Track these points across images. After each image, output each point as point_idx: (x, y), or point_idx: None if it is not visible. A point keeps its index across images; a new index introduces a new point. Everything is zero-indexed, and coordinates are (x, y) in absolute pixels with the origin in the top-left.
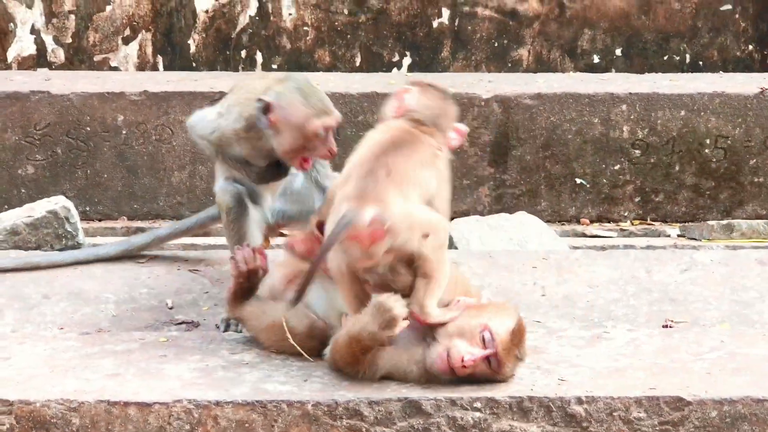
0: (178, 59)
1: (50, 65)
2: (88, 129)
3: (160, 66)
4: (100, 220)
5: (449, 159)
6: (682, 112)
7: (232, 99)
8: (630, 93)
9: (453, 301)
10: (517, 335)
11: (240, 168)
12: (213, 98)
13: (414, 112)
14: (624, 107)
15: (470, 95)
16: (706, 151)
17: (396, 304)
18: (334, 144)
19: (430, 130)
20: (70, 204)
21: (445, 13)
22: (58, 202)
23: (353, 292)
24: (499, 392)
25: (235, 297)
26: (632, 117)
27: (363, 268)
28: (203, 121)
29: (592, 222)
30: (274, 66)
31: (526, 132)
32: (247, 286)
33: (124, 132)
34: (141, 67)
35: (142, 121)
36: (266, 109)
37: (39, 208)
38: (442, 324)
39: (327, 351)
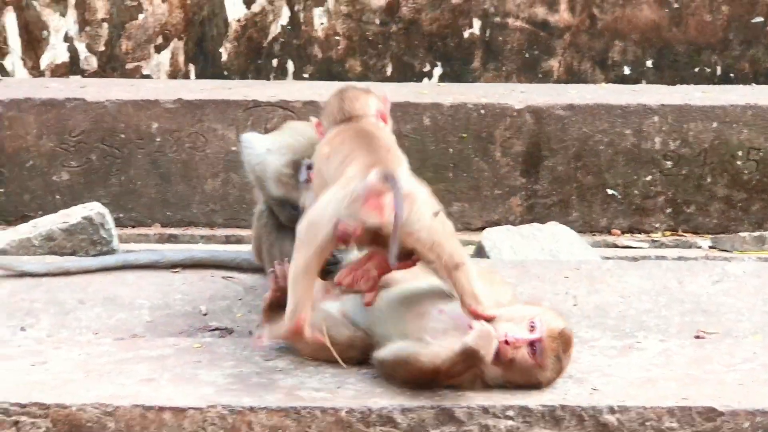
0: (209, 68)
1: (83, 73)
2: (123, 136)
3: (192, 74)
4: (133, 227)
5: None
6: (714, 124)
7: (282, 139)
8: (662, 104)
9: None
10: (564, 337)
11: (274, 204)
12: (247, 107)
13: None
14: (656, 119)
15: (503, 105)
16: (738, 162)
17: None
18: None
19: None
20: (105, 210)
21: (476, 23)
22: (93, 209)
23: (316, 264)
24: (532, 401)
25: (271, 308)
26: (664, 128)
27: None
28: (252, 148)
29: (623, 233)
30: (305, 75)
31: (558, 142)
32: (283, 299)
33: (158, 139)
34: (173, 75)
35: (176, 128)
36: (311, 166)
37: (74, 215)
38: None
39: (382, 358)
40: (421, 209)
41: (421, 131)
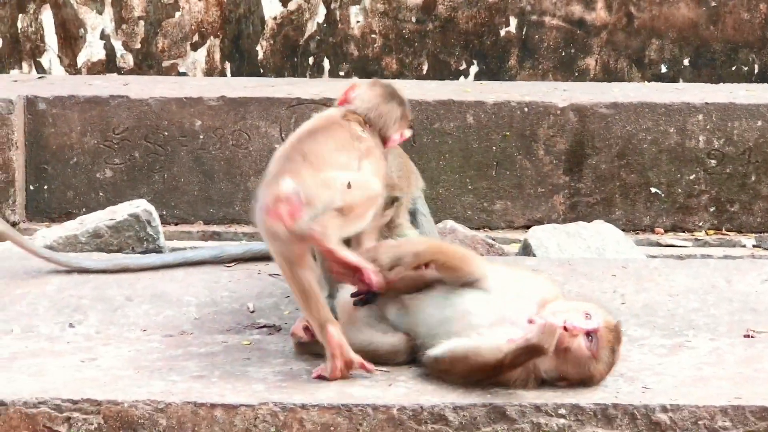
0: (245, 65)
1: (119, 70)
2: (166, 133)
3: (228, 72)
4: (176, 224)
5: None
6: (759, 123)
7: None
8: (706, 103)
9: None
10: (618, 331)
11: None
12: (290, 104)
13: (352, 104)
14: (700, 117)
15: (546, 104)
16: None
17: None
18: None
19: (358, 118)
20: (151, 207)
21: (513, 21)
22: (139, 206)
23: (300, 285)
24: (584, 399)
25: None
26: (708, 127)
27: (298, 255)
28: None
29: (666, 231)
30: (341, 73)
31: (602, 141)
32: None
33: (201, 137)
34: (209, 73)
35: (220, 126)
36: None
37: (121, 211)
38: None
39: (438, 356)
40: (329, 195)
41: (465, 129)
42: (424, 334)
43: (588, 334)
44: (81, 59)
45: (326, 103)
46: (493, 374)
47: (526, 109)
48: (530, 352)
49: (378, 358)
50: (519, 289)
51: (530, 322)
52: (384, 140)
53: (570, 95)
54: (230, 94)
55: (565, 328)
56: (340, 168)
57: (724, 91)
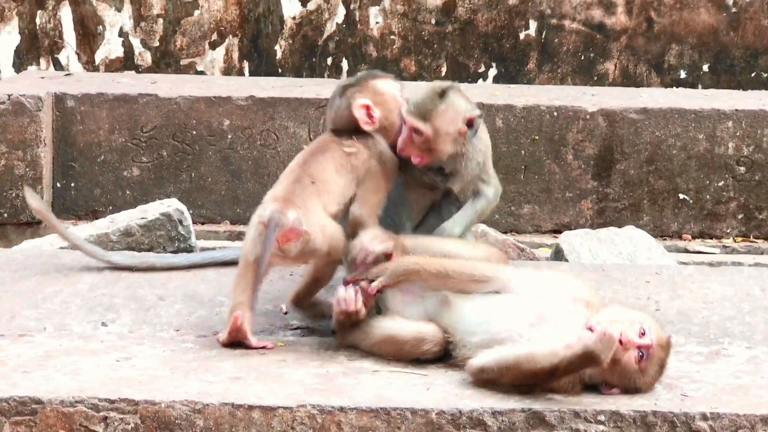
0: (264, 65)
1: (137, 68)
2: (194, 132)
3: (246, 71)
4: (203, 224)
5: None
6: None
7: None
8: (736, 110)
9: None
10: (668, 346)
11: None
12: (319, 105)
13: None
14: (730, 124)
15: (575, 108)
16: None
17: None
18: None
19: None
20: (183, 207)
21: (533, 25)
22: (171, 205)
23: (247, 281)
24: (623, 406)
25: (341, 329)
26: (738, 134)
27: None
28: None
29: (693, 238)
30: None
31: (631, 146)
32: (348, 322)
33: (229, 136)
34: (227, 72)
35: (248, 125)
36: None
37: (152, 210)
38: None
39: (483, 365)
40: (320, 243)
41: (494, 133)
42: (462, 331)
43: (639, 348)
44: (99, 56)
45: None
46: (547, 380)
47: (555, 114)
48: (587, 360)
49: (404, 345)
50: (552, 288)
51: (590, 329)
52: (386, 134)
53: (599, 100)
54: (259, 94)
55: (620, 341)
56: (338, 194)
57: (753, 97)
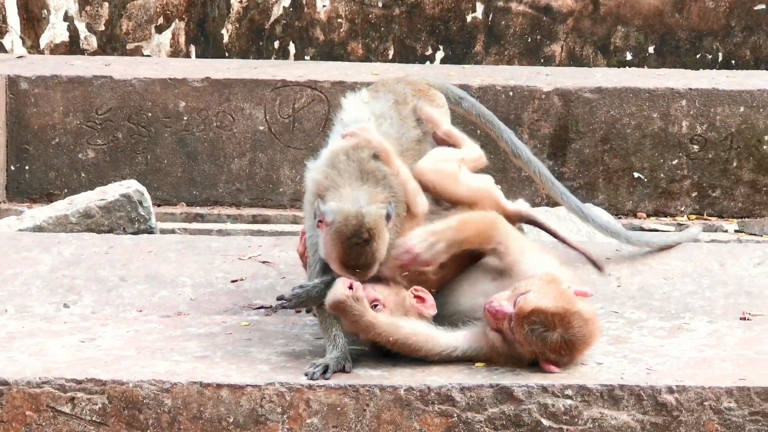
0: (210, 49)
1: (82, 52)
2: (150, 114)
3: (193, 55)
4: (159, 206)
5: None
6: (741, 108)
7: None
8: (690, 89)
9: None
10: (542, 314)
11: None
12: (275, 86)
13: None
14: (683, 102)
15: (531, 88)
16: (765, 147)
17: None
18: None
19: None
20: (143, 188)
21: (479, 7)
22: (131, 186)
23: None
24: (591, 380)
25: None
26: (691, 112)
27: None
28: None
29: (648, 216)
30: (307, 57)
31: (586, 125)
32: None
33: (185, 118)
34: (173, 55)
35: (204, 107)
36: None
37: (111, 192)
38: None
39: None
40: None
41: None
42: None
43: (505, 316)
44: (44, 41)
45: (311, 85)
46: None
47: (510, 93)
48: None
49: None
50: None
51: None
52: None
53: (554, 80)
54: (214, 75)
55: (488, 310)
56: None
57: (706, 77)
